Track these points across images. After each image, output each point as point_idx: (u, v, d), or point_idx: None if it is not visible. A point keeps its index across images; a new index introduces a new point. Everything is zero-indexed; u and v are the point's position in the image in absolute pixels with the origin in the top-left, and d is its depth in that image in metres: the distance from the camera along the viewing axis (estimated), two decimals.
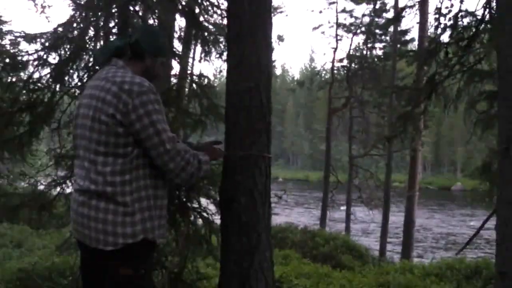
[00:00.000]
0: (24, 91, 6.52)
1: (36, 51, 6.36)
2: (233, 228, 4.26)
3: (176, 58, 7.13)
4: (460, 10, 8.80)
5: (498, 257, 4.25)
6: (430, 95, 9.34)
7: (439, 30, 9.26)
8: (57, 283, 8.16)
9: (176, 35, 8.18)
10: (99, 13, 6.36)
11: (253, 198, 4.22)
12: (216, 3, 8.14)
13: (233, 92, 4.34)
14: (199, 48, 8.03)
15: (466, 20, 8.95)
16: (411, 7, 12.09)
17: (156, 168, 3.40)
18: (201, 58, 7.85)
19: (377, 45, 29.15)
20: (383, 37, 28.56)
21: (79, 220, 3.35)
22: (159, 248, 6.20)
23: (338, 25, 29.52)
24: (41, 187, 8.20)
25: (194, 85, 7.01)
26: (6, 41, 15.82)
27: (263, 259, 4.26)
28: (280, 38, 34.40)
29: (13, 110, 6.45)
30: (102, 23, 6.55)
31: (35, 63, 6.36)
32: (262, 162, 4.28)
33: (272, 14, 4.70)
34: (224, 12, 7.39)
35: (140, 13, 6.79)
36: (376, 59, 28.45)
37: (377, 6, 27.51)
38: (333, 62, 28.97)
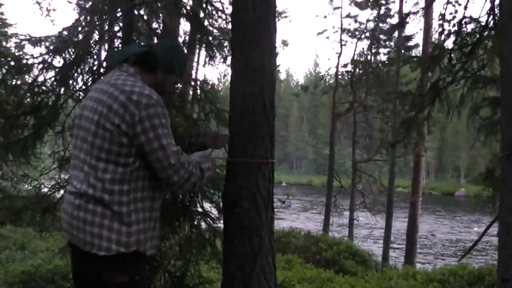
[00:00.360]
0: (29, 94, 6.53)
1: (41, 54, 6.37)
2: (235, 232, 4.26)
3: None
4: (464, 17, 8.82)
5: (501, 264, 4.25)
6: (434, 101, 9.35)
7: (443, 36, 9.28)
8: (60, 286, 8.18)
9: (180, 40, 8.20)
10: (104, 17, 6.37)
11: (255, 202, 4.22)
12: (220, 8, 8.17)
13: (237, 97, 4.35)
14: (203, 53, 8.04)
15: (470, 27, 8.97)
16: (415, 13, 12.04)
17: (155, 180, 3.41)
18: (205, 63, 7.87)
19: (381, 50, 29.11)
20: (387, 42, 28.51)
21: (73, 223, 3.32)
22: (161, 251, 6.23)
23: (343, 30, 29.49)
24: (45, 190, 8.20)
25: (198, 90, 7.02)
26: (11, 44, 15.90)
27: (265, 264, 4.26)
28: (285, 43, 34.35)
29: (17, 113, 6.46)
30: (107, 27, 6.57)
31: (40, 66, 6.37)
32: (265, 166, 4.29)
33: (277, 19, 4.71)
34: (228, 17, 7.40)
35: (145, 17, 6.80)
36: (380, 65, 28.40)
37: (382, 12, 27.51)
38: (337, 67, 28.91)
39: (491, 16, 8.09)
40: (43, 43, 6.39)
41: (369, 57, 28.50)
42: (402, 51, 25.69)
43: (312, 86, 33.52)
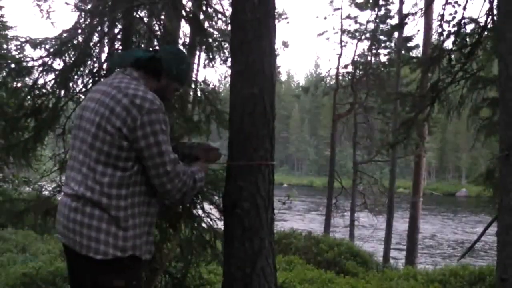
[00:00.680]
0: (29, 97, 6.52)
1: (41, 57, 6.37)
2: (235, 234, 4.27)
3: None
4: (463, 17, 8.82)
5: (499, 264, 4.27)
6: (434, 102, 9.36)
7: (443, 37, 9.29)
8: None
9: (180, 41, 8.21)
10: (104, 19, 6.38)
11: (256, 203, 4.23)
12: (220, 10, 8.18)
13: (237, 98, 4.36)
14: (203, 55, 8.05)
15: (469, 27, 8.98)
16: (413, 14, 12.05)
17: (152, 186, 3.40)
18: (205, 65, 7.87)
19: (382, 51, 29.13)
20: (387, 43, 28.53)
21: (70, 226, 3.30)
22: (162, 253, 6.23)
23: (343, 31, 29.51)
24: (46, 192, 8.22)
25: (198, 92, 7.03)
26: (11, 47, 15.92)
27: (266, 265, 4.27)
28: (285, 44, 34.51)
29: (18, 116, 6.47)
30: (106, 29, 6.58)
31: (40, 68, 6.36)
32: (266, 168, 4.30)
33: (276, 21, 4.72)
34: (228, 19, 7.41)
35: (145, 20, 6.81)
36: (380, 66, 28.42)
37: (382, 13, 27.52)
38: (337, 68, 28.93)
39: (490, 17, 8.10)
40: (43, 45, 6.39)
41: (369, 58, 28.53)
42: (403, 52, 25.68)
43: (313, 88, 33.54)
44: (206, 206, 6.29)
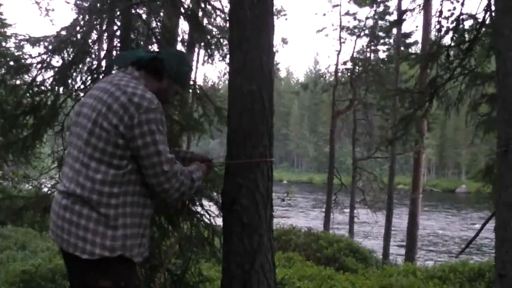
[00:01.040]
0: (28, 94, 6.53)
1: (40, 54, 6.37)
2: (235, 230, 4.27)
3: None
4: (461, 13, 8.82)
5: (498, 259, 4.28)
6: (432, 98, 9.36)
7: (441, 33, 9.29)
8: (60, 285, 8.20)
9: (179, 39, 8.21)
10: (103, 17, 6.38)
11: (255, 200, 4.23)
12: (219, 6, 8.18)
13: (235, 95, 4.36)
14: (202, 52, 8.06)
15: (467, 23, 8.98)
16: (411, 10, 12.06)
17: (148, 186, 3.37)
18: (204, 61, 7.88)
19: (381, 47, 29.16)
20: (386, 39, 28.54)
21: (59, 223, 3.28)
22: (161, 250, 6.24)
23: (342, 28, 29.52)
24: (45, 190, 8.21)
25: (197, 88, 7.03)
26: (10, 44, 15.92)
27: (265, 261, 4.27)
28: (284, 41, 34.48)
29: (17, 113, 6.47)
30: (105, 27, 6.58)
31: (39, 66, 6.37)
32: (264, 165, 4.30)
33: (275, 17, 4.73)
34: (227, 15, 7.42)
35: (144, 17, 6.81)
36: (379, 62, 28.43)
37: (380, 9, 27.50)
38: (336, 64, 28.94)
39: (488, 13, 8.10)
40: (42, 43, 6.39)
41: (368, 55, 28.54)
42: (402, 48, 25.69)
43: (312, 84, 33.57)
44: (205, 203, 6.29)
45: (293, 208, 41.29)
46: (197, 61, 17.92)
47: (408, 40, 26.64)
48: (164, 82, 3.57)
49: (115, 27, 6.53)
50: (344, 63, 29.31)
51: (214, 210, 6.28)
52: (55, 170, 7.49)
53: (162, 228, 6.13)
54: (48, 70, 6.40)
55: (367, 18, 28.25)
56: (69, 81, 6.50)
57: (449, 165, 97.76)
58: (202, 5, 7.84)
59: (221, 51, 7.58)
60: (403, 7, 23.08)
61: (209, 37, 7.30)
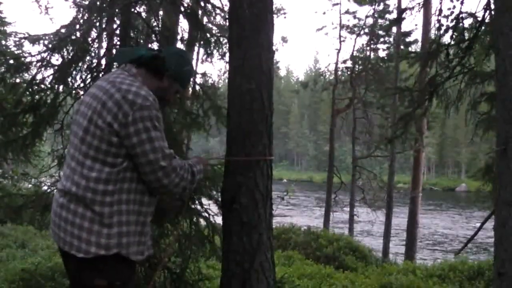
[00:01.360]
0: (28, 92, 6.53)
1: (40, 52, 6.37)
2: (234, 229, 4.28)
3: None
4: (461, 12, 8.82)
5: (497, 258, 4.28)
6: (432, 97, 9.36)
7: (441, 32, 9.28)
8: (60, 283, 8.18)
9: (178, 37, 8.21)
10: (102, 15, 6.38)
11: (254, 198, 4.24)
12: (218, 5, 8.19)
13: (235, 94, 4.36)
14: (201, 50, 8.06)
15: (467, 22, 8.98)
16: (411, 9, 12.05)
17: (145, 183, 3.35)
18: (203, 60, 7.88)
19: (380, 46, 29.14)
20: (386, 38, 28.53)
21: (57, 222, 3.29)
22: (160, 248, 6.25)
23: (342, 26, 29.51)
24: (45, 188, 8.21)
25: (197, 87, 7.04)
26: (10, 42, 15.94)
27: (264, 260, 4.28)
28: (284, 40, 34.51)
29: (16, 111, 6.47)
30: (105, 25, 6.58)
31: (39, 64, 6.37)
32: (264, 163, 4.30)
33: (275, 16, 4.73)
34: (226, 14, 7.42)
35: (143, 15, 6.81)
36: (379, 60, 28.41)
37: (380, 7, 27.49)
38: (336, 63, 28.93)
39: (488, 12, 8.10)
40: (41, 41, 6.39)
41: (368, 53, 28.52)
42: (401, 47, 25.68)
43: (312, 83, 33.49)
44: (205, 201, 6.30)
45: (293, 207, 41.30)
46: (197, 60, 17.97)
47: (408, 39, 26.66)
48: (165, 81, 3.55)
49: (115, 25, 6.54)
50: (344, 61, 29.32)
51: (214, 209, 6.29)
52: (54, 168, 7.50)
53: (162, 226, 6.14)
54: (48, 68, 6.41)
55: (367, 16, 28.24)
56: (69, 79, 6.51)
57: (449, 164, 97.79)
58: (202, 4, 7.85)
59: (220, 50, 7.58)
60: (403, 6, 23.07)
61: (208, 35, 7.31)
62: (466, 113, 9.28)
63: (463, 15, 8.78)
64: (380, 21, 27.91)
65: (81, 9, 6.55)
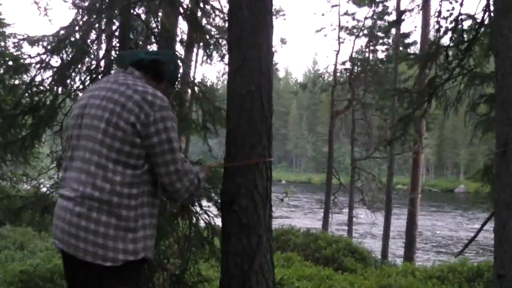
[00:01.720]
0: (27, 94, 6.51)
1: (39, 54, 6.35)
2: (233, 230, 4.28)
3: (178, 61, 7.13)
4: (460, 13, 8.83)
5: (497, 259, 4.29)
6: (431, 98, 9.36)
7: (440, 33, 9.29)
8: (59, 285, 8.18)
9: (178, 38, 8.21)
10: (102, 16, 6.37)
11: (253, 200, 4.24)
12: (218, 6, 8.16)
13: (234, 95, 4.36)
14: (201, 52, 8.06)
15: (466, 23, 8.98)
16: (410, 10, 12.07)
17: (156, 186, 3.35)
18: (202, 62, 7.87)
19: (379, 47, 29.13)
20: (385, 40, 28.52)
21: (72, 232, 3.13)
22: (160, 250, 6.24)
23: (341, 28, 29.47)
24: (44, 189, 8.20)
25: (196, 89, 7.03)
26: (9, 44, 15.92)
27: (264, 261, 4.28)
28: (283, 41, 34.46)
29: (15, 113, 6.45)
30: (104, 26, 6.58)
31: (38, 66, 6.35)
32: (263, 165, 4.30)
33: (274, 17, 4.73)
34: (226, 15, 7.41)
35: (142, 17, 6.80)
36: (378, 62, 28.41)
37: (379, 9, 27.48)
38: (335, 64, 28.89)
39: (487, 13, 8.10)
40: (40, 42, 6.37)
41: (367, 55, 28.52)
42: (400, 49, 25.68)
43: (311, 84, 33.48)
44: (204, 203, 6.29)
45: (295, 208, 41.30)
46: (196, 61, 17.94)
47: (407, 40, 26.64)
48: (163, 85, 3.57)
49: (114, 27, 6.53)
50: (343, 63, 29.30)
51: (213, 210, 6.28)
52: (53, 170, 7.48)
53: (161, 228, 6.13)
54: (47, 70, 6.39)
55: (366, 18, 28.21)
56: (68, 81, 6.48)
57: (448, 165, 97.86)
58: (201, 5, 7.84)
59: (220, 51, 7.58)
60: (402, 7, 23.09)
61: (208, 37, 7.30)
62: (465, 115, 9.28)
63: (462, 16, 8.79)
64: (379, 22, 27.91)
65: (80, 10, 6.54)
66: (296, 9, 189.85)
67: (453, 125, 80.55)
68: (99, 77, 6.20)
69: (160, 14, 7.07)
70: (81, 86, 6.50)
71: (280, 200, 10.28)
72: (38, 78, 6.44)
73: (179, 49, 7.69)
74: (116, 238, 3.12)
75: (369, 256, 17.95)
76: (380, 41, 28.66)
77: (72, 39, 6.31)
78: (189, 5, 7.17)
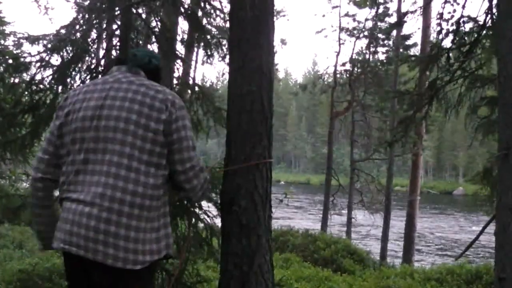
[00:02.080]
0: (27, 93, 6.51)
1: (39, 52, 6.36)
2: (233, 231, 4.27)
3: (179, 61, 7.12)
4: (462, 16, 8.82)
5: (497, 263, 4.27)
6: (432, 100, 9.36)
7: (441, 35, 9.28)
8: (57, 284, 8.17)
9: (178, 38, 8.20)
10: (102, 16, 6.36)
11: (253, 201, 4.24)
12: (219, 7, 8.17)
13: (235, 96, 4.36)
14: (201, 51, 8.05)
15: (468, 26, 8.97)
16: (413, 12, 12.07)
17: (169, 184, 3.34)
18: (203, 61, 7.86)
19: (380, 49, 29.08)
20: (385, 41, 28.50)
21: (100, 238, 3.02)
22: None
23: (341, 29, 29.42)
24: None
25: (196, 88, 7.02)
26: (9, 42, 15.89)
27: (263, 262, 4.27)
28: (283, 42, 34.39)
29: (15, 112, 6.46)
30: (104, 26, 6.57)
31: (38, 64, 6.36)
32: (263, 165, 4.30)
33: (275, 18, 4.72)
34: (227, 16, 7.40)
35: (143, 16, 6.80)
36: (378, 64, 28.39)
37: (380, 11, 27.46)
38: (335, 66, 28.86)
39: (489, 16, 8.09)
40: (41, 41, 6.38)
41: (367, 56, 28.49)
42: (401, 50, 25.66)
43: (311, 85, 33.43)
44: (204, 203, 6.27)
45: (291, 209, 41.28)
46: (196, 61, 17.91)
47: (407, 42, 26.63)
48: None
49: (115, 26, 6.52)
50: (343, 64, 29.22)
51: (212, 211, 6.27)
52: None
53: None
54: (47, 68, 6.39)
55: (366, 19, 28.19)
56: (68, 80, 6.48)
57: (447, 167, 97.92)
58: (202, 5, 7.83)
59: (220, 51, 7.57)
60: (403, 9, 23.09)
61: (208, 37, 7.30)
62: (466, 117, 9.28)
63: (464, 19, 8.79)
64: (380, 24, 27.88)
65: (81, 9, 6.53)
66: (297, 10, 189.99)
67: (452, 127, 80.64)
68: (99, 76, 6.18)
69: (161, 13, 7.06)
70: (81, 85, 6.49)
71: (279, 201, 10.26)
72: (38, 77, 6.45)
73: (180, 49, 7.70)
74: (144, 241, 3.11)
75: (368, 257, 17.96)
76: (381, 42, 28.64)
77: (73, 38, 6.31)
78: (190, 5, 7.17)
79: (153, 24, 6.86)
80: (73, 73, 6.44)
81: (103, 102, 3.25)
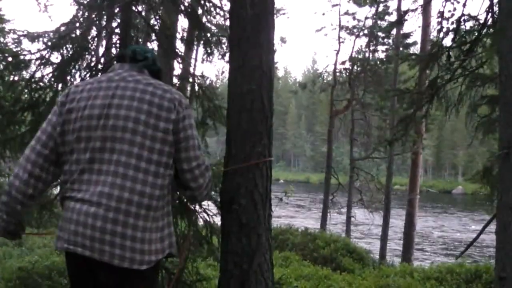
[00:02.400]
0: (26, 90, 6.50)
1: (39, 50, 6.35)
2: (233, 230, 4.27)
3: (178, 59, 7.11)
4: (462, 14, 8.81)
5: (498, 262, 4.27)
6: (432, 99, 9.34)
7: (442, 34, 9.27)
8: (56, 282, 8.17)
9: (178, 36, 8.19)
10: (102, 13, 6.36)
11: (253, 199, 4.23)
12: (219, 5, 8.15)
13: (235, 94, 4.35)
14: (201, 49, 8.05)
15: (468, 24, 8.97)
16: (414, 10, 12.05)
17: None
18: (203, 59, 7.85)
19: (380, 48, 29.06)
20: (385, 40, 28.48)
21: (106, 238, 2.99)
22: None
23: (341, 27, 29.41)
24: None
25: (196, 87, 7.01)
26: (8, 40, 15.87)
27: (263, 261, 4.27)
28: (283, 40, 34.42)
29: (15, 109, 6.45)
30: (104, 23, 6.56)
31: (38, 62, 6.34)
32: (263, 164, 4.29)
33: (275, 16, 4.71)
34: (227, 14, 7.39)
35: (143, 14, 6.79)
36: (378, 62, 28.37)
37: (380, 9, 27.44)
38: (335, 64, 28.84)
39: (490, 14, 8.08)
40: (40, 39, 6.37)
41: (367, 55, 28.47)
42: (401, 49, 25.65)
43: (310, 84, 33.40)
44: (204, 201, 6.27)
45: (290, 208, 41.28)
46: (196, 59, 17.89)
47: (407, 41, 26.61)
48: None
49: (115, 24, 6.52)
50: (343, 62, 29.19)
51: (212, 209, 6.26)
52: None
53: None
54: (47, 66, 6.38)
55: (366, 18, 28.17)
56: (68, 77, 6.47)
57: (446, 166, 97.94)
58: (202, 3, 7.82)
59: (220, 49, 7.56)
60: (403, 8, 23.07)
61: (208, 35, 7.29)
62: (466, 116, 9.26)
63: (465, 17, 8.78)
64: (379, 22, 27.86)
65: (81, 7, 6.53)
66: (297, 8, 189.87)
67: (452, 126, 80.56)
68: (99, 74, 6.17)
69: (160, 11, 7.05)
70: None
71: (279, 200, 10.27)
72: (38, 75, 6.44)
73: (180, 47, 7.69)
74: (150, 241, 3.09)
75: (367, 256, 17.96)
76: (381, 41, 28.62)
77: (73, 35, 6.30)
78: (190, 3, 7.15)
79: (153, 21, 6.85)
80: (73, 71, 6.43)
81: (110, 101, 3.19)
